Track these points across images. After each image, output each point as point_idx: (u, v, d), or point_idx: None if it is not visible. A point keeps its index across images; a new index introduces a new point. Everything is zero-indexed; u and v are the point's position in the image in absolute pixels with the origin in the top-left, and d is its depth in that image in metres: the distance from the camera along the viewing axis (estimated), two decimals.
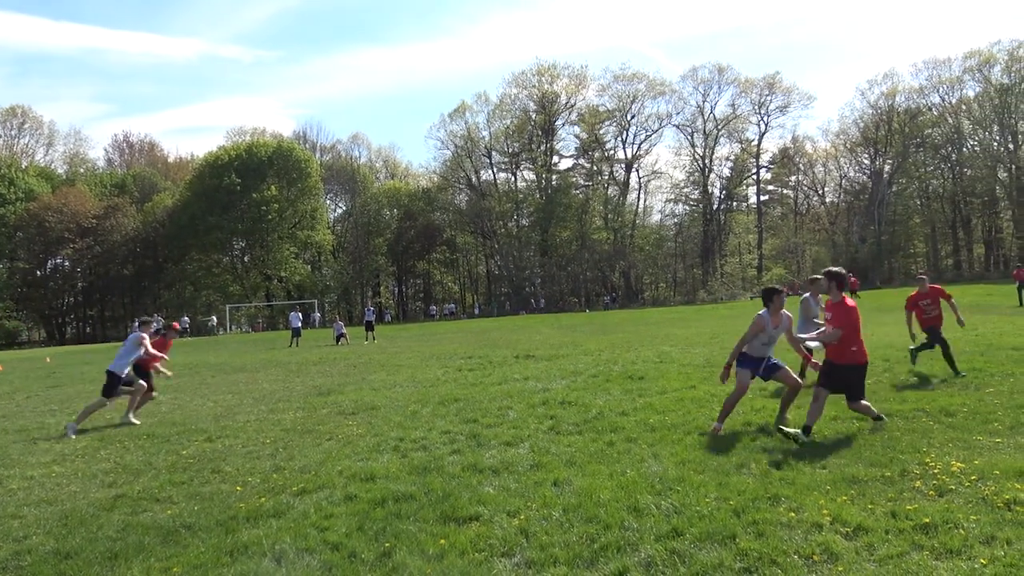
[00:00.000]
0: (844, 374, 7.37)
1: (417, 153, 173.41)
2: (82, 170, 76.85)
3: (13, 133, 74.41)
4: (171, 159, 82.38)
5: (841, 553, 4.35)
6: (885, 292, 49.30)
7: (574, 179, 79.61)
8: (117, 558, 5.04)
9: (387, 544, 4.95)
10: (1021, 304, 29.37)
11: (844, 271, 7.72)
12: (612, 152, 79.59)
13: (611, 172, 79.99)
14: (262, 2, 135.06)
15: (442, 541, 4.92)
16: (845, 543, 4.50)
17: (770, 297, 7.95)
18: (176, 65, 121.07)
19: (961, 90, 74.58)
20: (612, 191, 79.72)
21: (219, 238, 64.90)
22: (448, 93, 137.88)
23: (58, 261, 68.53)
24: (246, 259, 69.71)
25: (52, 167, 75.35)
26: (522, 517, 5.33)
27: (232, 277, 67.73)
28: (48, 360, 32.24)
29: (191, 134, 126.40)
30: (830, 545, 4.45)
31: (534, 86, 76.16)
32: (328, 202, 79.82)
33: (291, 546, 5.03)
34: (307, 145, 77.46)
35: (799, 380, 8.06)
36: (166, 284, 65.97)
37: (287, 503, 6.13)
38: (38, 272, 67.53)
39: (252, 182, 64.32)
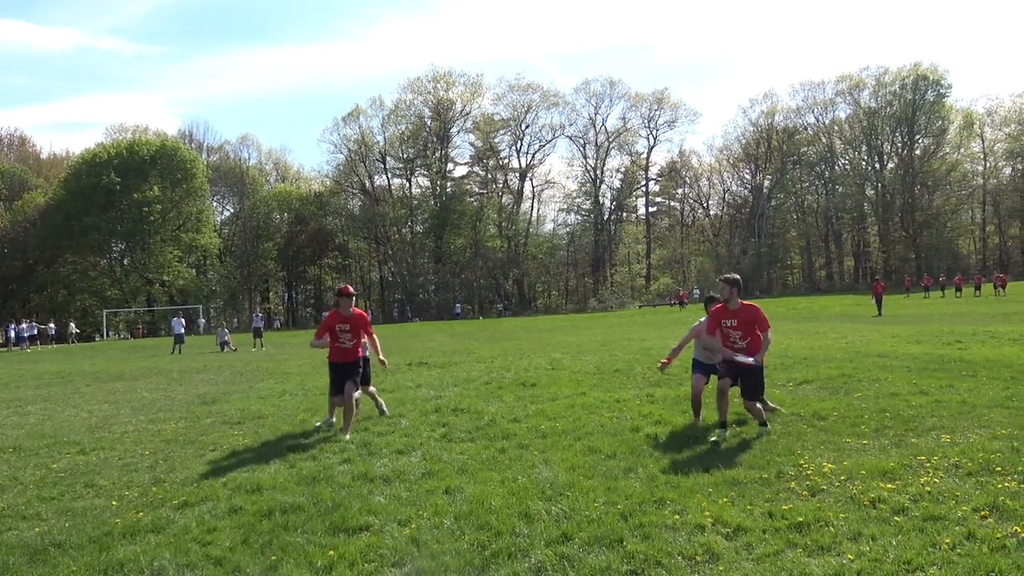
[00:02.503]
0: (754, 372, 7.78)
1: (309, 156, 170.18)
2: None
3: None
4: (44, 155, 77.88)
5: (722, 553, 4.54)
6: (763, 301, 51.66)
7: (469, 187, 79.95)
8: None
9: (273, 557, 4.83)
10: (880, 314, 31.49)
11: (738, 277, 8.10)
12: (507, 161, 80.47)
13: (505, 180, 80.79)
14: None
15: (331, 552, 4.84)
16: (725, 543, 4.69)
17: (707, 306, 8.53)
18: (49, 56, 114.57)
19: (834, 111, 79.35)
20: (506, 199, 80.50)
21: (96, 239, 61.65)
22: (342, 96, 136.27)
23: None
24: (126, 262, 66.49)
25: None
26: (413, 526, 5.30)
27: (110, 281, 64.50)
28: None
29: (66, 130, 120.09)
30: (711, 545, 4.63)
31: (429, 92, 76.12)
32: (215, 204, 77.26)
33: (171, 562, 4.83)
34: (193, 145, 74.66)
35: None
36: (36, 288, 62.17)
37: (167, 517, 5.88)
38: None
39: (133, 182, 61.44)
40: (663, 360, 9.00)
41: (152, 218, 62.09)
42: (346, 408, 8.82)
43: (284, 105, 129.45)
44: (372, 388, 10.09)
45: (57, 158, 75.81)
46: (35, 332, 45.05)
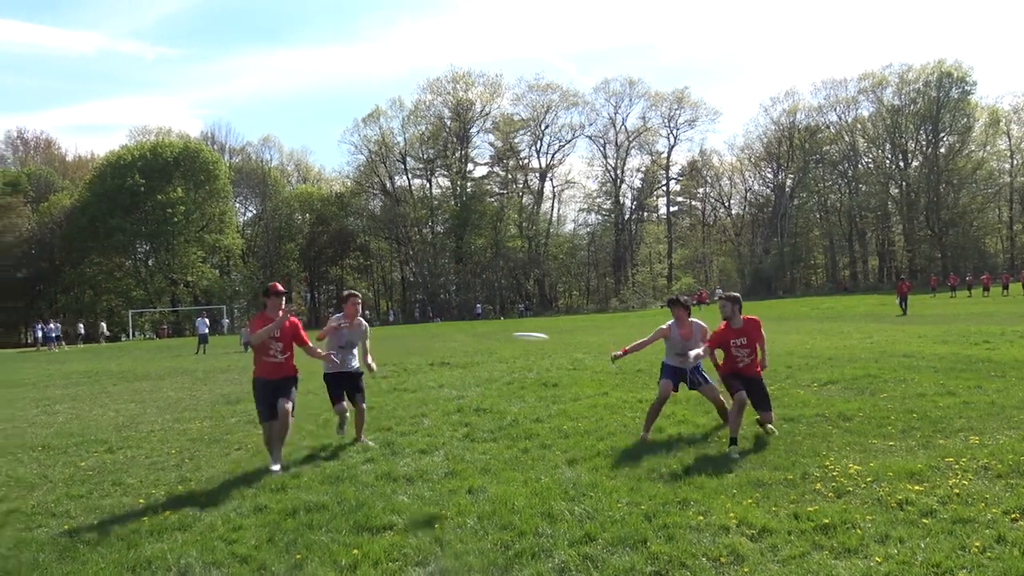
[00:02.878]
0: (762, 384, 7.82)
1: (330, 157, 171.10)
2: None
3: None
4: (69, 158, 78.78)
5: (747, 555, 4.51)
6: (787, 302, 51.29)
7: (489, 187, 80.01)
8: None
9: (298, 556, 4.86)
10: (905, 314, 31.17)
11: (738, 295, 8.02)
12: (526, 161, 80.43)
13: (526, 181, 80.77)
14: None
15: (355, 551, 4.86)
16: (751, 545, 4.66)
17: (671, 308, 8.19)
18: (72, 60, 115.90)
19: (856, 110, 78.54)
20: (526, 199, 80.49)
21: (122, 241, 62.32)
22: (362, 97, 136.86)
23: None
24: (150, 263, 67.21)
25: None
26: (437, 526, 5.31)
27: (135, 281, 65.19)
28: None
29: (91, 132, 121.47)
30: (736, 547, 4.60)
31: (449, 93, 76.27)
32: (238, 205, 77.84)
33: (197, 560, 4.88)
34: (215, 146, 75.29)
35: (720, 399, 8.09)
36: (63, 288, 62.94)
37: (193, 515, 5.94)
38: None
39: (157, 183, 62.04)
40: (617, 352, 8.20)
41: (176, 219, 62.69)
42: (278, 430, 7.38)
43: (305, 107, 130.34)
44: (364, 406, 8.45)
45: (82, 160, 76.73)
46: (60, 332, 45.64)
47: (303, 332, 7.75)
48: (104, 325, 53.77)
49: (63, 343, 44.42)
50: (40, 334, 43.99)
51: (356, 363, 8.48)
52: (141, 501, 6.50)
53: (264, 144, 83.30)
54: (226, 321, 61.51)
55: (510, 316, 65.95)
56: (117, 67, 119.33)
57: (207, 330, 32.77)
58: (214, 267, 70.22)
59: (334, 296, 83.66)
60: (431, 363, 18.22)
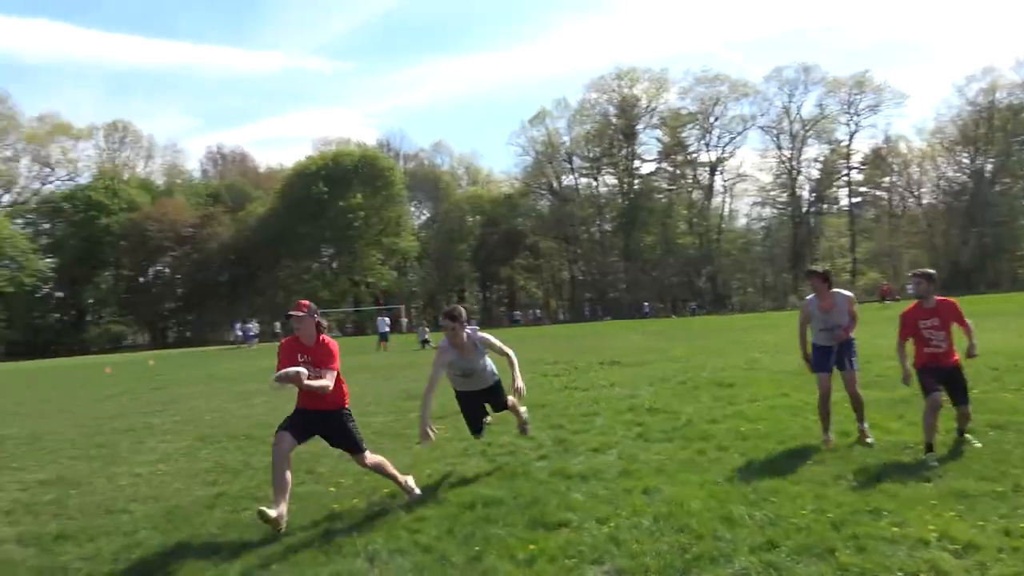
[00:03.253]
0: (953, 375, 6.96)
1: (498, 159, 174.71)
2: (179, 181, 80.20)
3: (115, 147, 78.30)
4: (261, 169, 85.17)
5: (950, 571, 4.16)
6: (990, 297, 46.96)
7: (657, 183, 78.84)
8: (220, 553, 5.23)
9: (477, 548, 4.98)
10: None
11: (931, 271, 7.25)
12: (695, 155, 78.53)
13: (695, 176, 78.88)
14: (340, 16, 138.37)
15: (532, 546, 4.92)
16: (954, 561, 4.29)
17: (808, 279, 7.60)
18: (259, 78, 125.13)
19: None
20: (696, 195, 78.60)
21: (308, 245, 66.77)
22: (527, 99, 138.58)
23: (159, 268, 71.85)
24: (334, 265, 71.47)
25: (151, 178, 78.91)
26: (612, 524, 5.28)
27: (322, 283, 69.54)
28: (151, 363, 33.74)
29: (279, 145, 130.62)
30: (938, 563, 4.26)
31: (614, 90, 75.87)
32: (412, 209, 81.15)
33: (383, 547, 5.12)
34: (390, 153, 79.02)
35: (858, 392, 7.39)
36: (259, 290, 68.23)
37: (379, 505, 6.24)
38: (141, 279, 71.00)
39: (339, 191, 65.94)
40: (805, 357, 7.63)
41: (356, 224, 66.33)
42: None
43: (473, 111, 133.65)
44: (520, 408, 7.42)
45: (273, 171, 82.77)
46: (257, 332, 49.47)
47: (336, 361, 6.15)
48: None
49: (258, 340, 48.11)
50: (239, 333, 47.99)
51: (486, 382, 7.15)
52: (332, 489, 6.91)
53: (435, 149, 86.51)
54: (404, 320, 64.32)
55: (682, 314, 64.64)
56: (300, 83, 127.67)
57: (387, 328, 34.39)
58: (392, 268, 73.61)
59: (505, 295, 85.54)
60: (601, 362, 18.17)
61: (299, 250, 66.59)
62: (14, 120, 70.27)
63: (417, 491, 6.33)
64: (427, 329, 33.76)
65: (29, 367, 39.86)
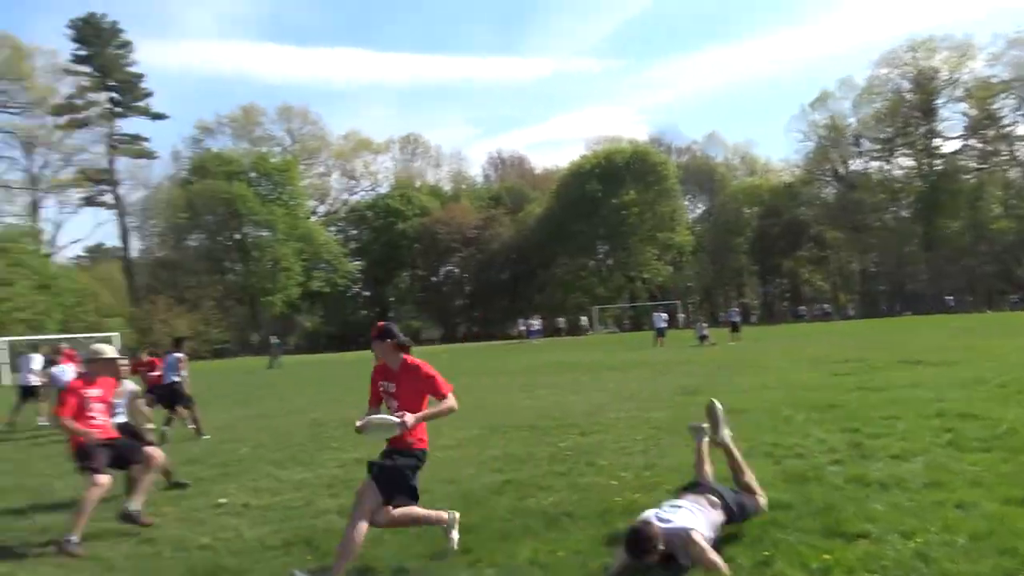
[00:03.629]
0: None
1: (776, 147, 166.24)
2: (464, 186, 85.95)
3: (409, 157, 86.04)
4: (538, 171, 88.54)
5: None
6: None
7: (963, 162, 70.40)
8: (508, 537, 5.48)
9: (765, 553, 4.75)
10: None
11: None
12: (1011, 128, 68.93)
13: (1011, 152, 69.29)
14: (606, 15, 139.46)
15: (826, 556, 4.58)
16: None
17: None
18: (532, 84, 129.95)
19: None
20: (1014, 173, 69.02)
21: (583, 243, 68.33)
22: (805, 83, 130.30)
23: (449, 268, 77.55)
24: (609, 262, 72.48)
25: (439, 185, 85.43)
26: (919, 540, 4.76)
27: (598, 280, 70.80)
28: (444, 356, 36.46)
29: (554, 147, 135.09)
30: None
31: (907, 64, 68.97)
32: (686, 203, 79.93)
33: None
34: (662, 148, 78.43)
35: None
36: (538, 287, 71.01)
37: (657, 500, 6.18)
38: (432, 278, 77.19)
39: (612, 188, 66.78)
40: None
41: (630, 220, 66.73)
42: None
43: (746, 99, 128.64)
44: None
45: (548, 172, 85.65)
46: (540, 327, 51.55)
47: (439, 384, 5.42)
48: (586, 319, 59.58)
49: (540, 336, 50.10)
50: (523, 328, 50.37)
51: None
52: (613, 482, 6.97)
53: (709, 141, 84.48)
54: (681, 316, 63.58)
55: (999, 308, 57.20)
56: (571, 85, 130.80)
57: (664, 324, 34.19)
58: (667, 264, 73.06)
59: (788, 289, 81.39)
60: (900, 360, 16.60)
61: (574, 248, 68.36)
62: (325, 140, 79.92)
63: (454, 537, 5.33)
64: (705, 324, 33.07)
65: (345, 358, 44.88)
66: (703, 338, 30.82)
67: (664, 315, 35.84)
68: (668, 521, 4.59)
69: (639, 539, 4.43)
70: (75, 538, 5.80)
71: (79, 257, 74.05)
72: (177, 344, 12.83)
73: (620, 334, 56.93)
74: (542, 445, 9.20)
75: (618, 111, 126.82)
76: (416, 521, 5.18)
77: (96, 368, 6.79)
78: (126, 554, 5.71)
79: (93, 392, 6.62)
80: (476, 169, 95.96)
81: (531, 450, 8.94)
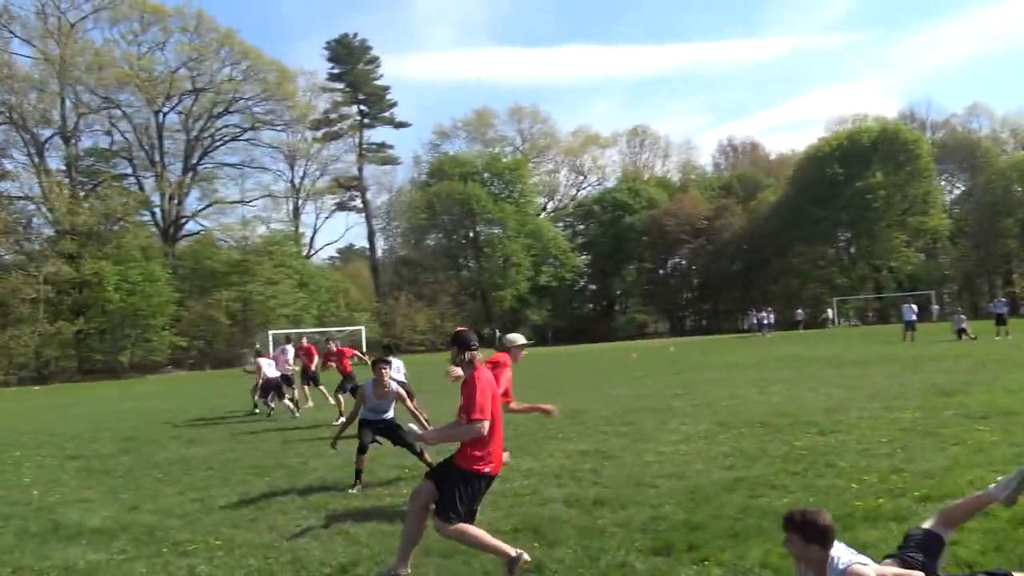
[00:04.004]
0: None
1: None
2: (693, 176, 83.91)
3: (636, 150, 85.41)
4: (772, 157, 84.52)
5: None
6: None
7: None
8: (738, 536, 5.29)
9: None
10: None
11: None
12: None
13: None
14: None
15: None
16: None
17: None
18: (767, 66, 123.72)
19: None
20: None
21: (822, 230, 64.29)
22: None
23: (676, 260, 76.22)
24: (852, 250, 67.75)
25: (668, 176, 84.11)
26: None
27: (838, 269, 66.46)
28: (672, 350, 35.94)
29: (789, 130, 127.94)
30: None
31: None
32: (943, 183, 72.65)
33: None
34: (915, 124, 71.73)
35: None
36: (772, 278, 67.93)
37: (908, 508, 5.67)
38: (660, 271, 76.27)
39: (855, 170, 62.21)
40: None
41: (876, 204, 61.82)
42: None
43: (1015, 65, 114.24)
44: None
45: (783, 158, 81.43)
46: (772, 320, 49.23)
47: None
48: (831, 311, 56.24)
49: (773, 329, 47.83)
50: (755, 321, 48.43)
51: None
52: (854, 485, 6.50)
53: (971, 113, 75.97)
54: (935, 307, 58.02)
55: None
56: (810, 63, 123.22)
57: (914, 316, 31.36)
58: (918, 251, 66.92)
59: None
60: None
61: (813, 235, 64.52)
62: (554, 137, 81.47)
63: (513, 554, 4.80)
64: (963, 317, 29.89)
65: (571, 351, 45.65)
66: (961, 332, 27.87)
67: (914, 306, 32.80)
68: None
69: (798, 513, 3.86)
70: None
71: (331, 258, 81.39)
72: (387, 351, 13.32)
73: (862, 327, 53.00)
74: (776, 443, 8.79)
75: (863, 87, 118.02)
76: (477, 544, 4.85)
77: (514, 354, 7.49)
78: (371, 531, 6.17)
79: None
80: (706, 158, 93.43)
81: (764, 447, 8.58)
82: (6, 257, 48.90)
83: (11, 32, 49.92)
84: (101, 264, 47.18)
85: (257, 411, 16.47)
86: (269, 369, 16.12)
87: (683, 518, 5.87)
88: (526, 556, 4.84)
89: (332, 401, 15.16)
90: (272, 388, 15.99)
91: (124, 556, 5.92)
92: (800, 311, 56.16)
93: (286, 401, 15.79)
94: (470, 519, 4.88)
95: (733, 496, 6.46)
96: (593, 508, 6.40)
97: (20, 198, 50.96)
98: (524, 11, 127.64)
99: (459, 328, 5.33)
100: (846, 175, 61.99)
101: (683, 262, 75.55)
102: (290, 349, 17.37)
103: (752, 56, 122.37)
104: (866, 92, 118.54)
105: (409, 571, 5.01)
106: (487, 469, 4.91)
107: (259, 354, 17.65)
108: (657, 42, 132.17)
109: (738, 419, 10.81)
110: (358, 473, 7.90)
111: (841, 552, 3.82)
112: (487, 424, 4.80)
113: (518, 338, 7.67)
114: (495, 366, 7.14)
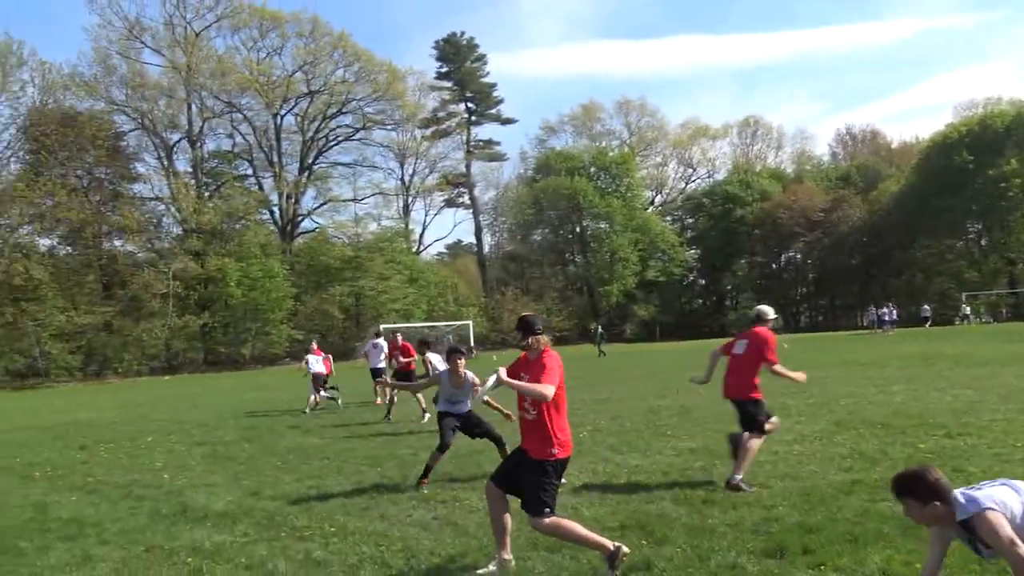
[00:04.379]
0: None
1: None
2: (808, 167, 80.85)
3: (748, 141, 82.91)
4: (894, 145, 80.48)
5: None
6: None
7: None
8: (857, 541, 5.06)
9: None
10: None
11: None
12: None
13: None
14: None
15: None
16: None
17: None
18: (889, 49, 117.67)
19: None
20: None
21: (950, 221, 60.75)
22: None
23: (790, 254, 73.64)
24: (983, 242, 63.80)
25: (781, 167, 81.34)
26: None
27: (967, 263, 62.72)
28: (786, 346, 34.78)
29: (913, 116, 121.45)
30: None
31: None
32: None
33: None
34: None
35: None
36: (894, 272, 64.79)
37: None
38: (773, 265, 73.91)
39: (986, 157, 58.34)
40: None
41: (1010, 193, 57.88)
42: None
43: None
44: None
45: (906, 145, 77.44)
46: (895, 316, 46.88)
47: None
48: (967, 308, 53.21)
49: (894, 325, 45.57)
50: (875, 316, 46.28)
51: None
52: None
53: None
54: None
55: None
56: (936, 46, 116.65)
57: None
58: None
59: None
60: None
61: (938, 227, 61.01)
62: (663, 130, 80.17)
63: (612, 547, 4.79)
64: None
65: (679, 347, 44.86)
66: None
67: None
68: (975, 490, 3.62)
69: (902, 476, 3.66)
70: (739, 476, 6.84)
71: (440, 254, 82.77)
72: (423, 346, 13.75)
73: (995, 325, 49.77)
74: (898, 445, 8.38)
75: (993, 69, 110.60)
76: (574, 537, 4.88)
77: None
78: (478, 522, 6.24)
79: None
80: (822, 148, 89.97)
81: (884, 449, 8.20)
82: (139, 255, 52.13)
83: (143, 43, 53.13)
84: (224, 261, 49.66)
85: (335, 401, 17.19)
86: (316, 365, 17.14)
87: (797, 520, 5.67)
88: (625, 549, 4.82)
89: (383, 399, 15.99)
90: (319, 383, 17.03)
91: (246, 539, 6.20)
92: (926, 307, 53.24)
93: (322, 393, 16.92)
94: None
95: (851, 499, 6.20)
96: (703, 507, 6.27)
97: (151, 199, 54.31)
98: (631, 3, 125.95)
99: (524, 314, 5.40)
100: (976, 163, 58.29)
101: (797, 256, 72.97)
102: (382, 343, 17.83)
103: (872, 40, 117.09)
104: (998, 74, 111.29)
105: (510, 556, 5.09)
106: (562, 454, 4.92)
107: (378, 335, 18.38)
108: (769, 29, 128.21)
109: (857, 419, 10.37)
110: (427, 470, 7.91)
111: (965, 495, 3.59)
112: (552, 391, 4.77)
113: (771, 311, 7.75)
114: (757, 340, 7.33)
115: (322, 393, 16.86)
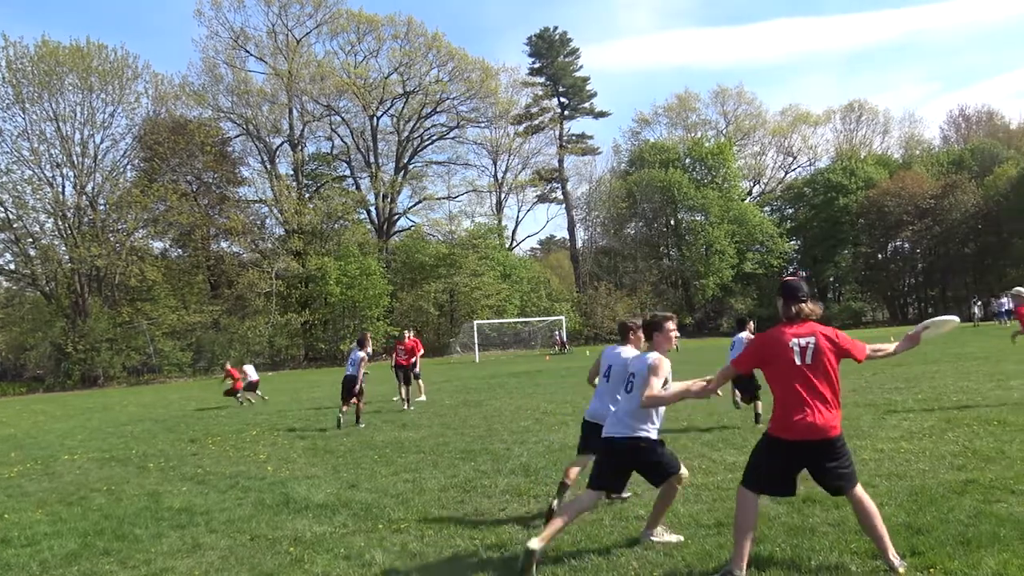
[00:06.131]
0: None
1: None
2: (917, 152, 77.02)
3: (852, 127, 79.53)
4: (1012, 126, 75.87)
5: None
6: None
7: None
8: (969, 544, 4.80)
9: None
10: None
11: None
12: None
13: None
14: None
15: None
16: None
17: None
18: (1004, 24, 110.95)
19: None
20: None
21: None
22: None
23: (897, 244, 70.40)
24: None
25: (888, 153, 77.80)
26: None
27: None
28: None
29: None
30: None
31: None
32: None
33: None
34: None
35: None
36: (1013, 261, 61.15)
37: None
38: (879, 255, 70.75)
39: None
40: None
41: None
42: None
43: None
44: None
45: None
46: (1011, 307, 44.24)
47: None
48: None
49: (1011, 317, 42.96)
50: (993, 308, 43.84)
51: None
52: None
53: None
54: None
55: None
56: None
57: None
58: None
59: None
60: None
61: None
62: (761, 118, 77.81)
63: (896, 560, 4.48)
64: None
65: None
66: None
67: None
68: None
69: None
70: None
71: (533, 249, 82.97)
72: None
73: None
74: (1016, 443, 7.91)
75: None
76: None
77: None
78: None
79: None
80: (933, 131, 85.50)
81: (1002, 448, 7.75)
82: (244, 255, 54.34)
83: (247, 51, 55.40)
84: (324, 260, 51.25)
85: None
86: (253, 374, 19.80)
87: (904, 520, 5.43)
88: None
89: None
90: (251, 389, 19.55)
91: (345, 530, 6.38)
92: None
93: (243, 393, 19.62)
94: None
95: (964, 500, 5.89)
96: (803, 506, 6.07)
97: (255, 201, 56.63)
98: None
99: (786, 277, 5.01)
100: None
101: (905, 245, 69.71)
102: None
103: (985, 16, 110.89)
104: None
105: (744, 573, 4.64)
106: (782, 435, 4.63)
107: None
108: (872, 9, 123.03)
109: (970, 416, 9.85)
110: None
111: None
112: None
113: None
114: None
115: (243, 393, 18.41)
